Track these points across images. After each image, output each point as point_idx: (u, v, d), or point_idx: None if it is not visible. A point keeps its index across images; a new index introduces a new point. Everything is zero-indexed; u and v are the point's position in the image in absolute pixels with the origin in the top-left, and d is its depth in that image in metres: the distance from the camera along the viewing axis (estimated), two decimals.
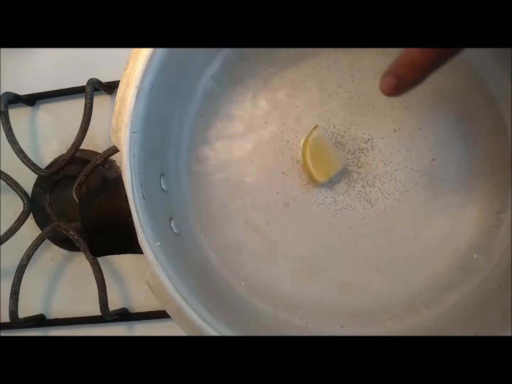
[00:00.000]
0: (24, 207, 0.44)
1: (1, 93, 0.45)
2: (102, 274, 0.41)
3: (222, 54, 0.40)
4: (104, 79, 0.45)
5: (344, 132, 0.39)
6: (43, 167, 0.45)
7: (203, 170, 0.40)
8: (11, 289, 0.42)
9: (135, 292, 0.46)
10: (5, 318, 0.43)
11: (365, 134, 0.39)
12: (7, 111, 0.44)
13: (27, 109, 0.48)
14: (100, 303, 0.41)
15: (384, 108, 0.39)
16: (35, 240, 0.43)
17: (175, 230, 0.35)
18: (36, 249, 0.43)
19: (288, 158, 0.40)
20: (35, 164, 0.44)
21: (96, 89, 0.44)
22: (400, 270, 0.39)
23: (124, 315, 0.45)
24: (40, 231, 0.45)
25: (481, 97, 0.38)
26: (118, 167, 0.47)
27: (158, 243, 0.31)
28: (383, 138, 0.39)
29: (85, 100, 0.42)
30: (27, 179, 0.46)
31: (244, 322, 0.36)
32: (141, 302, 0.45)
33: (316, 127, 0.39)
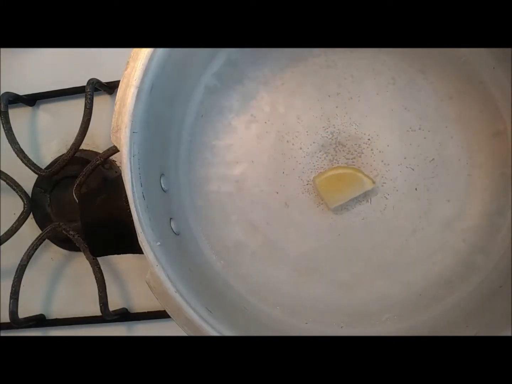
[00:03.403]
0: (24, 207, 0.44)
1: (1, 93, 0.45)
2: (102, 274, 0.41)
3: (222, 54, 0.40)
4: (104, 79, 0.45)
5: (344, 132, 0.39)
6: (43, 167, 0.45)
7: (203, 170, 0.40)
8: (11, 289, 0.42)
9: (135, 292, 0.46)
10: (5, 318, 0.43)
11: (365, 134, 0.39)
12: (7, 111, 0.44)
13: (27, 109, 0.48)
14: (100, 303, 0.41)
15: (384, 108, 0.39)
16: (35, 240, 0.43)
17: (175, 230, 0.35)
18: (36, 249, 0.43)
19: (288, 158, 0.40)
20: (35, 164, 0.44)
21: (96, 89, 0.44)
22: (400, 270, 0.38)
23: (124, 315, 0.45)
24: (40, 231, 0.45)
25: (481, 97, 0.38)
26: (118, 167, 0.46)
27: (158, 243, 0.31)
28: (383, 138, 0.39)
29: (85, 100, 0.42)
30: (27, 179, 0.46)
31: (244, 322, 0.36)
32: (141, 302, 0.45)
33: (373, 183, 0.38)
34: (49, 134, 0.48)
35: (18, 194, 0.44)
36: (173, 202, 0.37)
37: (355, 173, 0.38)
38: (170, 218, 0.35)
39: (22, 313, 0.43)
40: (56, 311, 0.47)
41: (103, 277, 0.41)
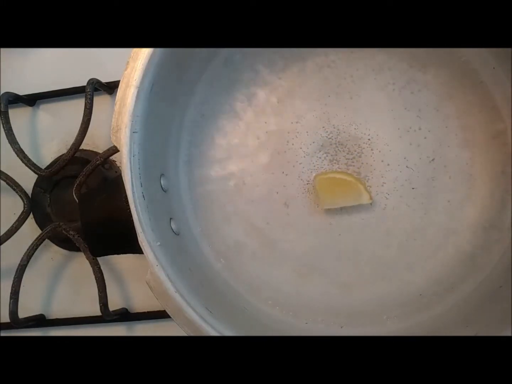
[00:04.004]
0: (24, 207, 0.44)
1: (1, 93, 0.45)
2: (102, 274, 0.41)
3: (222, 54, 0.40)
4: (104, 79, 0.45)
5: (344, 132, 0.39)
6: (43, 167, 0.45)
7: (203, 170, 0.40)
8: (11, 289, 0.42)
9: (135, 292, 0.46)
10: (5, 318, 0.43)
11: (365, 134, 0.39)
12: (7, 111, 0.44)
13: (27, 109, 0.48)
14: (100, 303, 0.41)
15: (384, 108, 0.39)
16: (35, 240, 0.43)
17: (175, 230, 0.35)
18: (36, 249, 0.43)
19: (288, 158, 0.40)
20: (35, 164, 0.44)
21: (96, 89, 0.44)
22: (400, 270, 0.38)
23: (124, 315, 0.45)
24: (40, 231, 0.45)
25: (481, 97, 0.38)
26: (118, 167, 0.46)
27: (158, 243, 0.31)
28: (383, 138, 0.39)
29: (85, 100, 0.42)
30: (27, 179, 0.46)
31: (244, 322, 0.36)
32: (141, 302, 0.45)
33: (371, 199, 0.38)
34: (49, 134, 0.48)
35: (18, 194, 0.44)
36: (173, 202, 0.37)
37: (356, 183, 0.38)
38: (170, 218, 0.35)
39: (22, 313, 0.43)
40: (56, 311, 0.47)
41: (103, 277, 0.41)
